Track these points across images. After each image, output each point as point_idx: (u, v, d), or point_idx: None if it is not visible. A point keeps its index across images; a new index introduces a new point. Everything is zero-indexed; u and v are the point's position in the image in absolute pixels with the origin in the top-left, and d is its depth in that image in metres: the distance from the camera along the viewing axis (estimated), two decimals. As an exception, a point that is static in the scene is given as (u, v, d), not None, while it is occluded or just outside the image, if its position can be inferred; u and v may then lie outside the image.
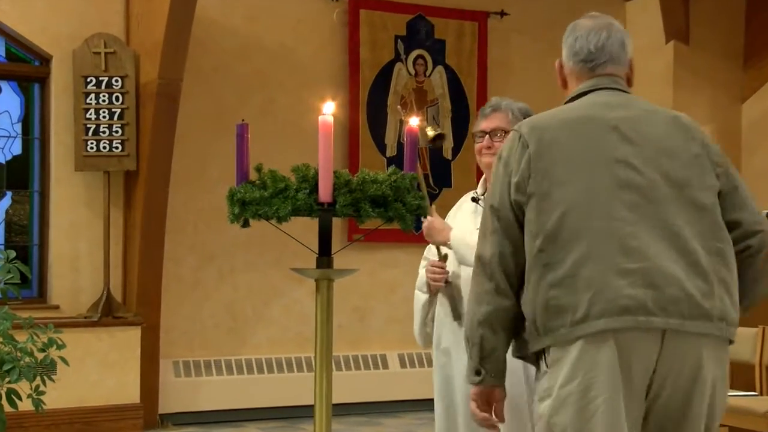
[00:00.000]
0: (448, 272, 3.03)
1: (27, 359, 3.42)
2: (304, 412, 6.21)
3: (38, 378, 3.44)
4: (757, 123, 7.67)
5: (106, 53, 6.29)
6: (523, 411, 2.98)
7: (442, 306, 3.14)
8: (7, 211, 6.51)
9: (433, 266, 3.07)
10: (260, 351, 6.87)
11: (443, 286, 3.07)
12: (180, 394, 6.51)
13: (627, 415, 2.13)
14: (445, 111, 7.48)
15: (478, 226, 2.86)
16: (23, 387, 3.42)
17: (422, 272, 3.15)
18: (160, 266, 6.35)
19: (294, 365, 6.85)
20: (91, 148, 6.24)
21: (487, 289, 2.24)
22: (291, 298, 6.91)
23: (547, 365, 2.20)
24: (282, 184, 2.49)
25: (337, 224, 5.49)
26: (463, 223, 3.11)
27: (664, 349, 2.11)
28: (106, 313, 6.19)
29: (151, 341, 6.29)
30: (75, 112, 6.27)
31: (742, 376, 5.20)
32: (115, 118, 6.26)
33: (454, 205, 3.26)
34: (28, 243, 6.50)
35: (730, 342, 2.20)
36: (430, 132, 3.18)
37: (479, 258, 2.28)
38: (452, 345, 3.06)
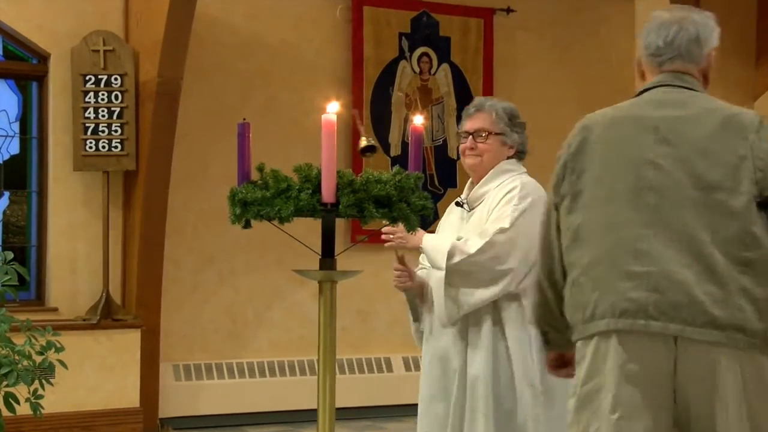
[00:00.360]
0: (411, 272, 3.10)
1: (25, 362, 3.43)
2: (306, 416, 6.21)
3: (36, 381, 3.45)
4: (769, 121, 7.66)
5: (105, 51, 6.30)
6: (513, 413, 3.00)
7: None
8: (4, 212, 6.52)
9: (395, 269, 3.08)
10: (261, 354, 6.87)
11: (410, 286, 3.11)
12: (180, 398, 6.51)
13: (640, 419, 2.13)
14: (450, 109, 7.48)
15: (463, 231, 2.91)
16: (21, 391, 3.43)
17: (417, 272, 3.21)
18: (160, 268, 6.36)
19: (296, 369, 6.86)
20: (90, 147, 6.24)
21: (539, 281, 2.42)
22: (293, 300, 6.91)
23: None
24: (284, 184, 2.49)
25: (341, 225, 5.49)
26: (449, 229, 3.11)
27: (679, 355, 2.12)
28: (105, 316, 6.20)
29: (151, 344, 6.30)
30: (73, 110, 6.28)
31: None
32: (114, 117, 6.27)
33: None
34: (26, 244, 6.51)
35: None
36: (363, 142, 3.12)
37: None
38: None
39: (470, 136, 3.18)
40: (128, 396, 6.17)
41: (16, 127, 6.53)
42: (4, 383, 3.36)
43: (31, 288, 6.45)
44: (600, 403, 2.16)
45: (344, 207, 2.48)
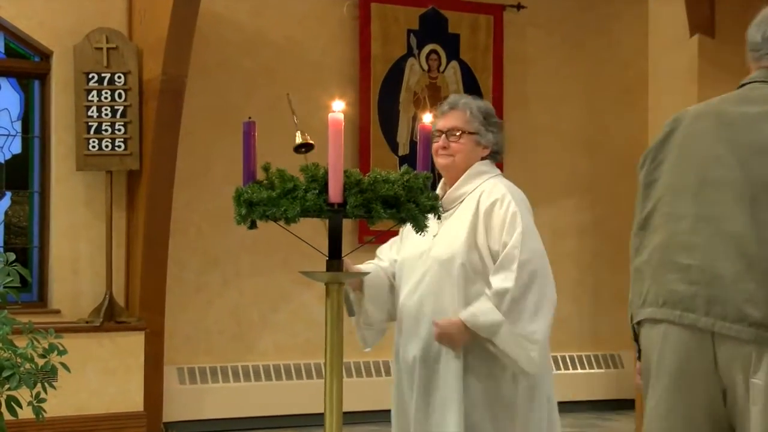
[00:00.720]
0: (348, 266, 3.01)
1: (27, 365, 3.44)
2: (313, 420, 6.22)
3: (39, 385, 3.46)
4: (785, 120, 7.63)
5: (108, 49, 6.32)
6: (512, 408, 3.00)
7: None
8: (6, 212, 6.54)
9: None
10: (267, 357, 6.88)
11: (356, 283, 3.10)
12: (184, 401, 6.53)
13: (677, 409, 2.24)
14: (460, 108, 7.47)
15: (436, 233, 2.88)
16: (23, 394, 3.44)
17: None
18: (164, 269, 6.37)
19: (302, 372, 6.86)
20: (93, 146, 6.26)
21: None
22: (299, 302, 6.92)
23: None
24: (290, 184, 2.49)
25: (348, 226, 5.50)
26: (413, 239, 3.06)
27: (716, 350, 2.20)
28: (109, 318, 6.22)
29: (155, 347, 6.31)
30: (76, 109, 6.30)
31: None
32: (118, 115, 6.29)
33: None
34: (28, 245, 6.53)
35: None
36: (298, 139, 2.97)
37: None
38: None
39: (443, 135, 3.15)
40: (132, 400, 6.19)
41: (18, 126, 6.55)
42: (6, 387, 3.37)
43: (33, 290, 6.47)
44: (650, 387, 2.31)
45: (351, 207, 2.48)
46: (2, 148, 6.52)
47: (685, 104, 8.60)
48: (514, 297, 2.99)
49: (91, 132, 6.26)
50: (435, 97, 7.43)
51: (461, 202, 3.13)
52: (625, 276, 8.48)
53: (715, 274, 2.20)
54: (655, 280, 2.31)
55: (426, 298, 3.09)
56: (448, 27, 7.43)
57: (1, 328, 3.43)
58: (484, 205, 3.09)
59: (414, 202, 2.54)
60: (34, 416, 3.47)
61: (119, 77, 6.30)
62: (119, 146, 6.28)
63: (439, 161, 3.17)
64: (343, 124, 2.51)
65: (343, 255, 2.60)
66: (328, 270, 2.59)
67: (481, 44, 7.52)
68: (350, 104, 6.93)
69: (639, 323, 2.37)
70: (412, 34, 7.32)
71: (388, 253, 3.32)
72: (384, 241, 3.44)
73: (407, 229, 3.12)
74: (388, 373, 7.08)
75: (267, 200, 2.49)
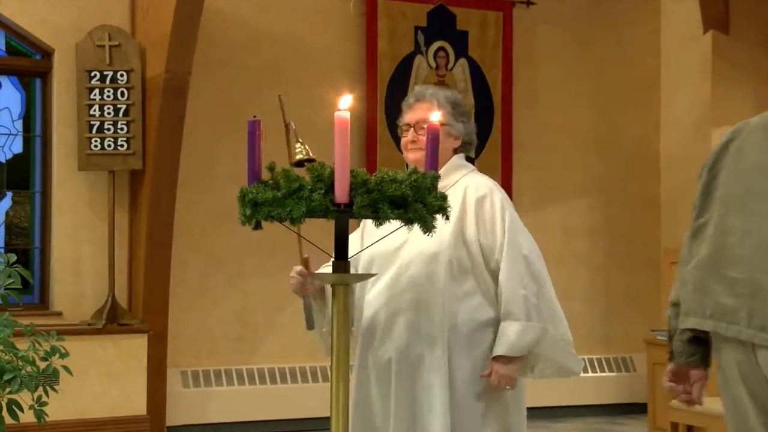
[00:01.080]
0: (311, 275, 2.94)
1: (29, 368, 3.45)
2: (319, 424, 6.22)
3: (40, 388, 3.47)
4: (801, 118, 7.61)
5: (110, 46, 6.33)
6: (496, 407, 2.99)
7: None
8: (7, 213, 6.56)
9: (300, 274, 2.95)
10: (272, 360, 6.88)
11: (310, 291, 2.99)
12: (188, 405, 6.53)
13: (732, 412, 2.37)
14: (468, 106, 7.47)
15: (411, 227, 2.76)
16: (25, 398, 3.44)
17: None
18: (167, 270, 6.38)
19: (308, 375, 6.86)
20: (95, 146, 6.28)
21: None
22: (305, 304, 6.91)
23: None
24: (296, 184, 2.49)
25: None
26: (382, 232, 2.85)
27: (758, 360, 2.30)
28: (111, 320, 6.23)
29: (159, 350, 6.32)
30: (78, 108, 6.31)
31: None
32: (120, 114, 6.30)
33: None
34: (29, 246, 6.54)
35: None
36: (298, 154, 2.95)
37: None
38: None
39: (411, 129, 3.10)
40: (135, 403, 6.20)
41: (19, 125, 6.57)
42: (7, 390, 3.38)
43: (34, 291, 6.49)
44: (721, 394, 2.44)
45: (358, 207, 2.47)
46: (3, 147, 6.54)
47: (699, 102, 8.62)
48: (534, 304, 2.98)
49: (94, 131, 6.27)
50: (443, 95, 7.42)
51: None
52: (638, 277, 8.50)
53: (758, 288, 2.28)
54: (702, 291, 2.40)
55: (405, 294, 3.00)
56: (456, 24, 7.43)
57: (2, 331, 3.44)
58: (471, 198, 3.05)
59: (422, 203, 2.54)
60: (36, 420, 3.48)
61: (122, 75, 6.31)
62: (122, 145, 6.29)
63: (410, 156, 3.11)
64: (350, 122, 2.51)
65: (349, 256, 2.60)
66: (334, 271, 2.59)
67: (490, 41, 7.51)
68: (357, 102, 6.91)
69: (683, 330, 2.48)
70: (419, 31, 7.32)
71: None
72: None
73: (369, 224, 3.04)
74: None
75: (272, 200, 2.49)
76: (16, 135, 6.56)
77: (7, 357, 3.44)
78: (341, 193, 2.47)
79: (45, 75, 6.55)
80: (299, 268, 2.96)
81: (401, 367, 3.02)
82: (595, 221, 7.84)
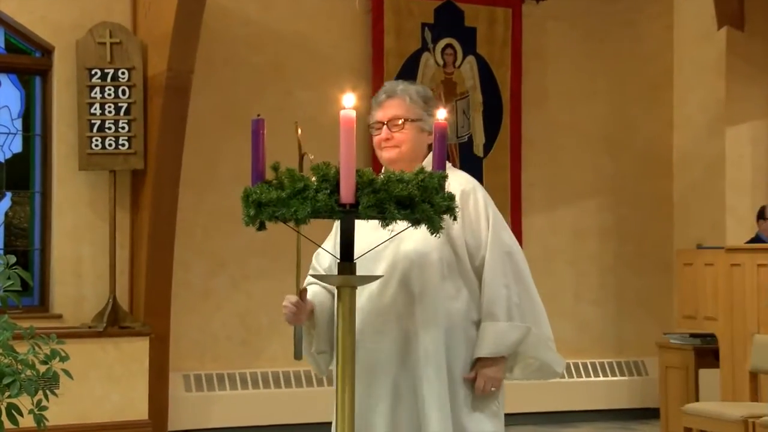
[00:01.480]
0: (309, 306, 2.90)
1: (28, 372, 3.45)
2: (323, 429, 6.22)
3: (40, 392, 3.47)
4: (817, 116, 7.60)
5: (111, 44, 6.34)
6: (491, 405, 2.99)
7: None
8: (6, 213, 6.57)
9: (295, 305, 2.86)
10: (276, 364, 6.89)
11: (304, 320, 2.91)
12: (191, 409, 6.54)
13: None
14: (476, 104, 7.47)
15: (391, 227, 2.70)
16: (24, 402, 3.45)
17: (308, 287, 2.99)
18: (169, 272, 6.39)
19: (313, 379, 6.87)
20: (96, 145, 6.29)
21: None
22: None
23: None
24: (300, 184, 2.49)
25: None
26: (362, 237, 2.77)
27: None
28: (112, 323, 6.24)
29: (160, 353, 6.33)
30: (79, 106, 6.33)
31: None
32: (122, 113, 6.31)
33: None
34: (29, 247, 6.56)
35: None
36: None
37: None
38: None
39: (384, 126, 3.07)
40: (136, 407, 6.21)
41: (18, 123, 6.59)
42: (7, 394, 3.38)
43: (34, 293, 6.50)
44: None
45: (364, 208, 2.47)
46: (2, 146, 6.56)
47: (713, 100, 8.65)
48: (516, 303, 2.98)
49: (94, 130, 6.29)
50: (451, 93, 7.43)
51: None
52: (650, 279, 8.51)
53: None
54: None
55: (397, 296, 2.96)
56: (464, 20, 7.43)
57: (1, 334, 3.45)
58: (455, 195, 3.06)
59: (429, 203, 2.54)
60: (36, 424, 3.48)
61: (123, 73, 6.33)
62: (123, 145, 6.30)
63: (384, 155, 3.07)
64: (356, 121, 2.51)
65: (355, 257, 2.60)
66: (339, 273, 2.59)
67: (499, 38, 7.51)
68: (362, 100, 6.91)
69: None
70: (426, 28, 7.32)
71: (322, 262, 3.09)
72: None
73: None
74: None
75: (276, 201, 2.49)
76: (15, 134, 6.58)
77: (6, 360, 3.44)
78: (347, 193, 2.47)
79: (45, 73, 6.56)
80: (294, 298, 2.92)
81: (399, 368, 2.99)
82: (606, 221, 7.84)
